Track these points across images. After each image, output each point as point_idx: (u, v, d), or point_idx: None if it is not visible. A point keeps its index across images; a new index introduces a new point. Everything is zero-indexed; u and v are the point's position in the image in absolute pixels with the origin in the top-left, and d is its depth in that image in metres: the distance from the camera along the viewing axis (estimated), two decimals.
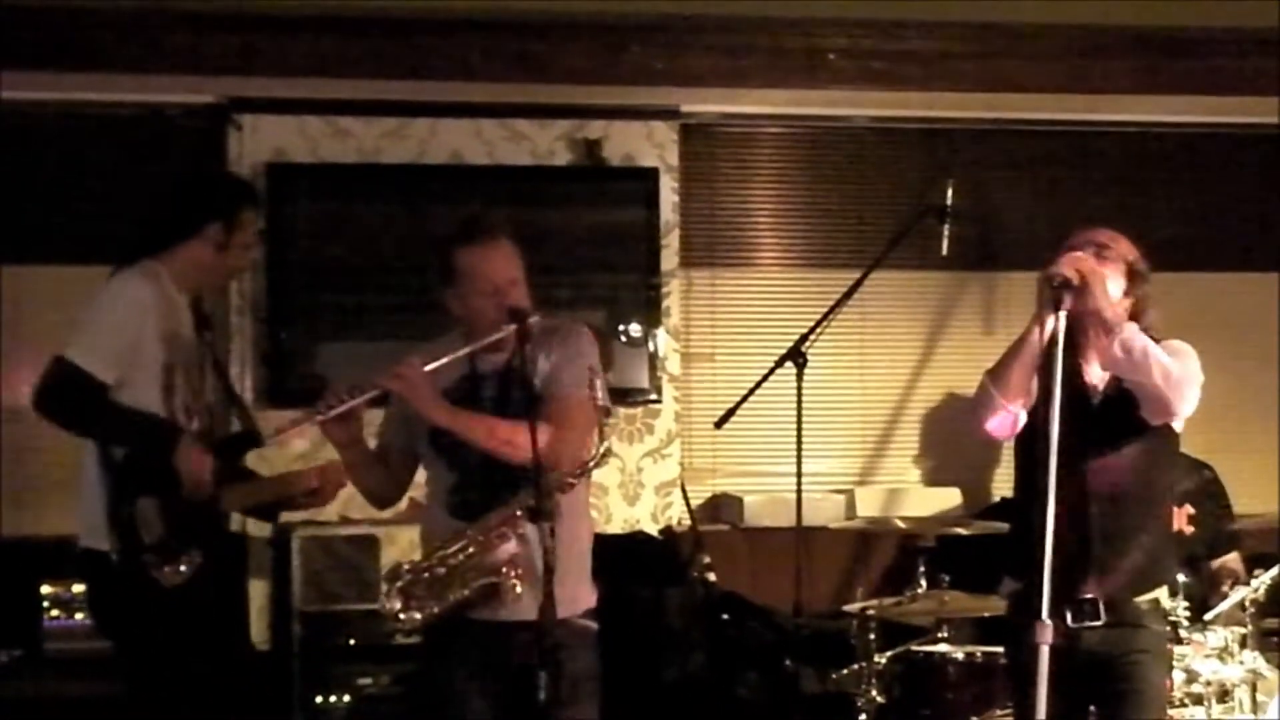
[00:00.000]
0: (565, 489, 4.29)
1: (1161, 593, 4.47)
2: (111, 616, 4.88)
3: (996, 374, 4.35)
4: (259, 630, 6.74)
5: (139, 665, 4.83)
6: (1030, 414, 4.33)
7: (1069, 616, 4.21)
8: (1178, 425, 4.42)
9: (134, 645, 4.84)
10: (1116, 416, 4.32)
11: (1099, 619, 4.30)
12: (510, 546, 4.26)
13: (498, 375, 4.42)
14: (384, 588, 4.34)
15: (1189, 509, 6.19)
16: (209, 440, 4.93)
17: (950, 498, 7.25)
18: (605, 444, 4.32)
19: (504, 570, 4.24)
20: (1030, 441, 4.33)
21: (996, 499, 7.12)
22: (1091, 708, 4.46)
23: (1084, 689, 4.34)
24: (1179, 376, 4.25)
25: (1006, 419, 4.33)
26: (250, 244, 5.02)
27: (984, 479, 7.28)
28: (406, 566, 4.35)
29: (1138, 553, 4.37)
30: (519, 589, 4.24)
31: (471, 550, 4.27)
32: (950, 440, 7.38)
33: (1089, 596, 4.29)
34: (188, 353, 4.92)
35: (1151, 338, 4.30)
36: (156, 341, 4.77)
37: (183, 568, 4.75)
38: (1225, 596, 5.85)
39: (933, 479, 7.44)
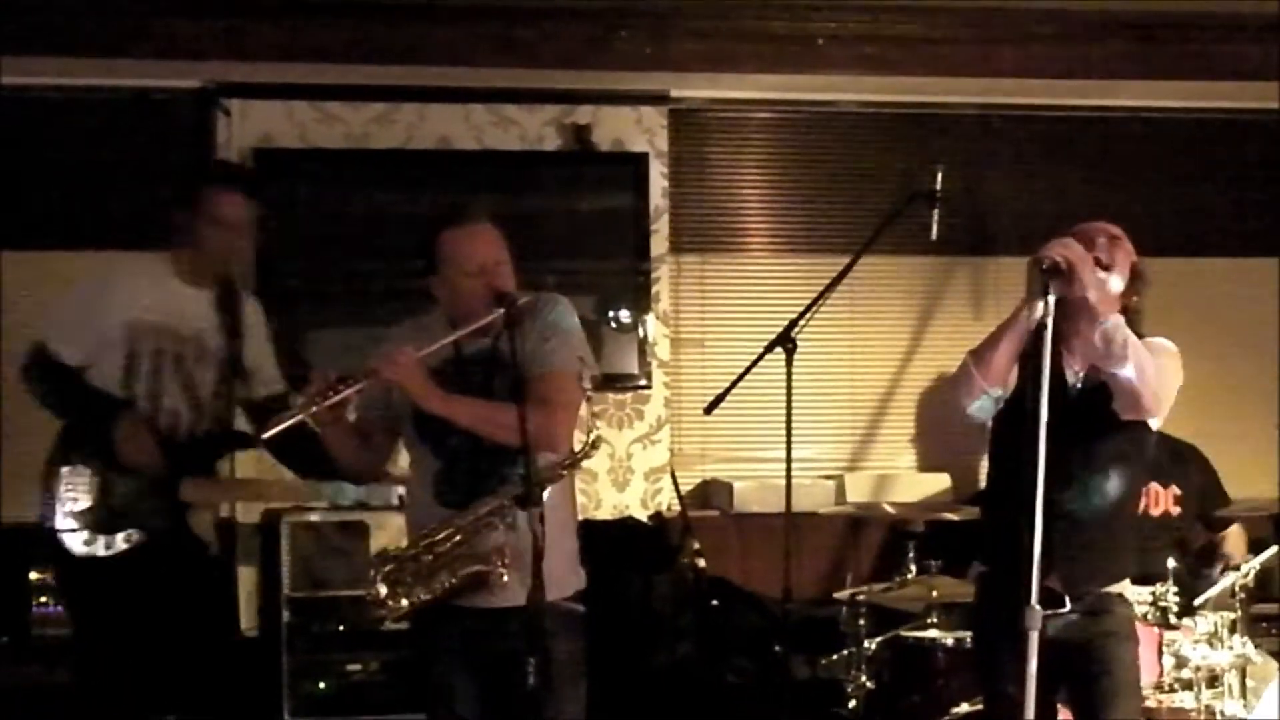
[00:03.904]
0: (555, 479, 4.28)
1: (1124, 585, 4.46)
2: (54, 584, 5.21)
3: (979, 355, 4.33)
4: (248, 616, 6.75)
5: (76, 639, 5.04)
6: (1009, 399, 4.32)
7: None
8: (1154, 421, 4.40)
9: (71, 616, 5.09)
10: (1091, 407, 4.30)
11: (1062, 606, 4.29)
12: (498, 535, 4.24)
13: (483, 359, 4.40)
14: (370, 575, 4.32)
15: (1175, 490, 6.19)
16: (191, 430, 5.06)
17: (939, 483, 7.26)
18: (594, 433, 4.31)
19: (492, 559, 4.23)
20: (1007, 426, 4.32)
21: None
22: (1060, 690, 4.46)
23: (1053, 672, 4.33)
24: (1156, 377, 4.22)
25: (986, 402, 4.32)
26: (224, 219, 5.07)
27: (973, 464, 7.28)
28: (393, 554, 4.34)
29: (1103, 546, 4.36)
30: (506, 577, 4.22)
31: (459, 538, 4.26)
32: (939, 426, 7.38)
33: (1051, 585, 4.28)
34: (183, 344, 5.03)
35: (1139, 333, 4.28)
36: (120, 328, 4.96)
37: (109, 542, 4.92)
38: (1217, 575, 5.86)
39: (922, 464, 7.44)
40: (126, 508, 4.94)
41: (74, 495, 4.92)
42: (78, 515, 4.94)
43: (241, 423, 5.33)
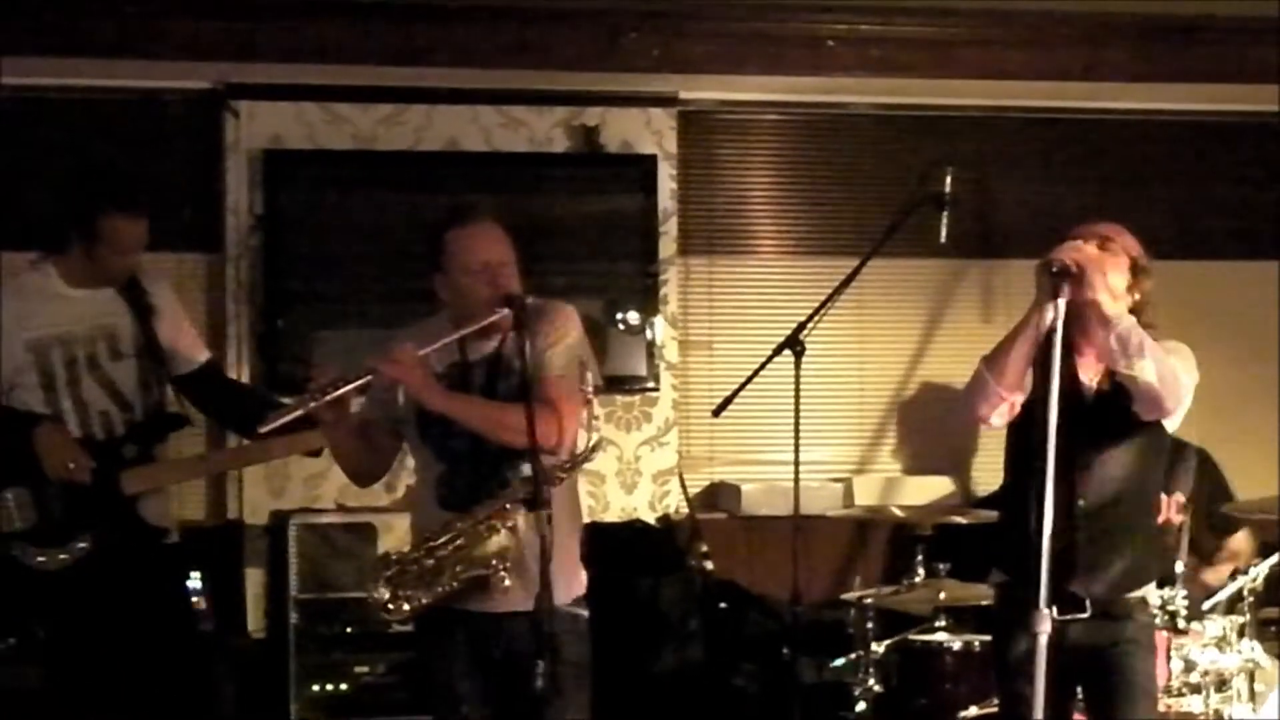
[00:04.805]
0: (555, 483, 4.26)
1: (1149, 589, 4.46)
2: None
3: (993, 361, 4.32)
4: (255, 618, 6.75)
5: (45, 654, 5.04)
6: (1024, 405, 4.31)
7: (1055, 609, 4.16)
8: (1170, 424, 4.39)
9: (35, 634, 5.09)
10: (1108, 412, 4.29)
11: (1084, 611, 4.28)
12: (499, 538, 4.23)
13: (487, 362, 4.39)
14: (373, 578, 4.31)
15: (1179, 497, 6.17)
16: (128, 427, 5.05)
17: (948, 486, 7.24)
18: (596, 436, 4.30)
19: (493, 562, 4.21)
20: (1022, 433, 4.31)
21: (990, 487, 7.10)
22: (1079, 696, 4.45)
23: (1071, 679, 4.33)
24: (1173, 375, 4.21)
25: (1003, 407, 4.31)
26: (125, 247, 4.99)
27: (976, 467, 7.29)
28: (395, 557, 4.33)
29: (1125, 551, 4.35)
30: (508, 581, 4.22)
31: (460, 542, 4.25)
32: (944, 429, 7.34)
33: (1073, 590, 4.27)
34: (93, 347, 5.01)
35: (1151, 335, 4.27)
36: (25, 351, 4.93)
37: (62, 554, 4.91)
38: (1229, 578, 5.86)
39: (926, 468, 7.42)
40: (71, 518, 4.92)
41: (16, 519, 4.91)
42: (24, 537, 4.93)
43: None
